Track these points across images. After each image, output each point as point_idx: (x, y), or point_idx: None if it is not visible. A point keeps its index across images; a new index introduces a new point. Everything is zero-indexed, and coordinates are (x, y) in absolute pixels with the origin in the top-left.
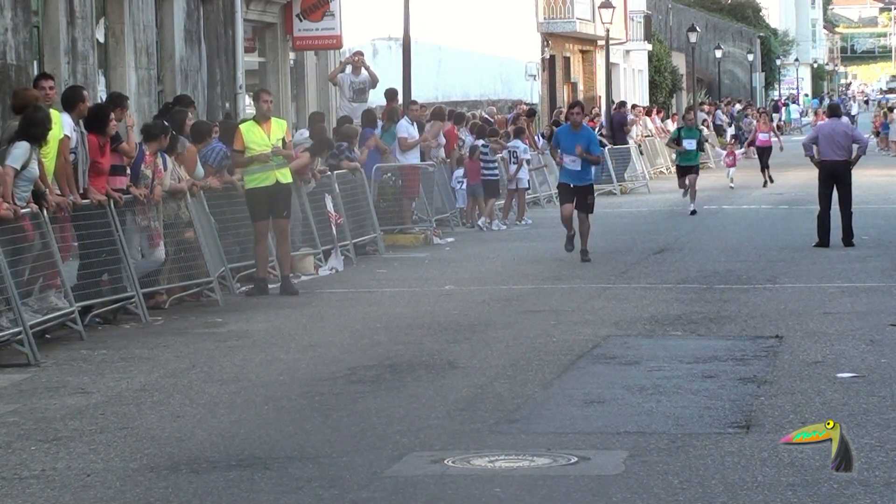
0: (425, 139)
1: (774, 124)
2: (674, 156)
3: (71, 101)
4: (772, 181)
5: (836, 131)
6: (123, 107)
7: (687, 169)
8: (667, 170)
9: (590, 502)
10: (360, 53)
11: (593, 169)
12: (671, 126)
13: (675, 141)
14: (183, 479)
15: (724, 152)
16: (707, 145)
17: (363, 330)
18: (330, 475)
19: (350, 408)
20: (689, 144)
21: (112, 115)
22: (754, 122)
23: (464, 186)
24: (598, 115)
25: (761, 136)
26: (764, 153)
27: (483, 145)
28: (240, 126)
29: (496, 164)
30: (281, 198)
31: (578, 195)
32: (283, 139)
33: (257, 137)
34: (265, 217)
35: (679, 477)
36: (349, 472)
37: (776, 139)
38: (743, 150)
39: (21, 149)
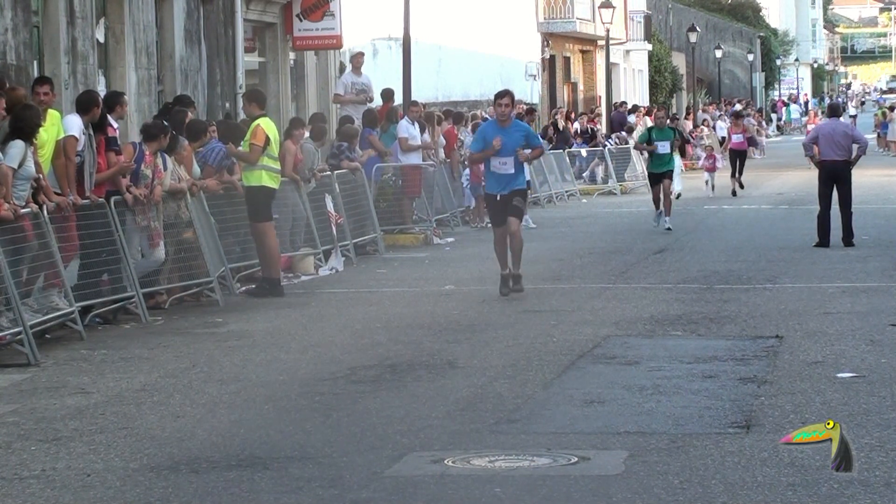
0: (428, 146)
1: (773, 125)
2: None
3: (86, 105)
4: (741, 187)
5: (836, 131)
6: (122, 103)
7: (660, 176)
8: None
9: (590, 502)
10: (361, 55)
11: (527, 172)
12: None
13: (647, 142)
14: (183, 479)
15: (704, 155)
16: (708, 142)
17: (363, 330)
18: (330, 475)
19: (350, 408)
20: (663, 147)
21: (107, 116)
22: (753, 122)
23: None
24: (599, 114)
25: (734, 139)
26: (737, 157)
27: None
28: None
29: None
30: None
31: (507, 202)
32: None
33: None
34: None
35: (679, 477)
36: (349, 472)
37: (761, 138)
38: (721, 153)
39: (16, 148)
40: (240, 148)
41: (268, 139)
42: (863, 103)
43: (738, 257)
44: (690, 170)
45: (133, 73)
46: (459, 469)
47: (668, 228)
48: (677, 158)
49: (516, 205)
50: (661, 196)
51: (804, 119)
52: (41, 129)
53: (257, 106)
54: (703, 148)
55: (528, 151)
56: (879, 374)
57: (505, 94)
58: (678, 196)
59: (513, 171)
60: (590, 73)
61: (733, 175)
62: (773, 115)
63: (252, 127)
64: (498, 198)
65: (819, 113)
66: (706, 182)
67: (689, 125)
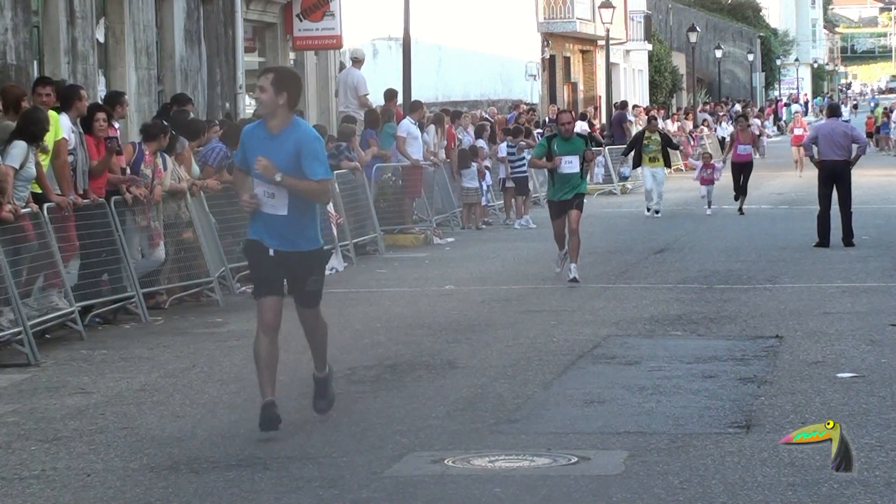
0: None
1: (768, 128)
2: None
3: (67, 99)
4: (740, 212)
5: (836, 131)
6: (122, 103)
7: (564, 206)
8: (667, 171)
9: (590, 502)
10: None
11: (319, 216)
12: (671, 126)
13: (546, 157)
14: (183, 479)
15: (700, 164)
16: (703, 150)
17: (363, 330)
18: (330, 475)
19: (350, 408)
20: (569, 165)
21: (99, 115)
22: (756, 121)
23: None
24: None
25: (741, 150)
26: (742, 171)
27: (509, 145)
28: None
29: (524, 163)
30: None
31: (290, 272)
32: None
33: None
34: None
35: (679, 477)
36: (349, 472)
37: (763, 138)
38: (721, 163)
39: (19, 148)
40: None
41: None
42: (856, 107)
43: (738, 257)
44: (684, 170)
45: (133, 73)
46: (459, 469)
47: (574, 279)
48: (660, 171)
49: (312, 290)
50: (566, 233)
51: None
52: None
53: None
54: (700, 156)
55: (269, 162)
56: (879, 374)
57: (266, 72)
58: (657, 213)
59: (285, 211)
60: (590, 73)
61: (737, 197)
62: (773, 117)
63: None
64: (271, 252)
65: (809, 114)
66: (703, 197)
67: (689, 125)
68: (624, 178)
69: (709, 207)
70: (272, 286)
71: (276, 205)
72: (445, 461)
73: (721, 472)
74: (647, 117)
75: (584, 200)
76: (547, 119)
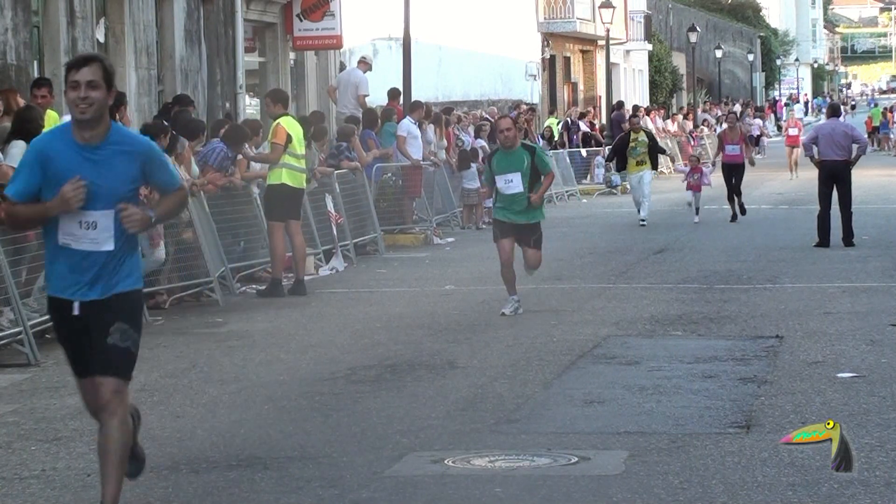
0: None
1: (768, 128)
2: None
3: None
4: (742, 213)
5: (836, 131)
6: (122, 103)
7: (516, 231)
8: (667, 169)
9: (590, 502)
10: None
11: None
12: (671, 126)
13: (490, 179)
14: (183, 479)
15: (687, 170)
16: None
17: (363, 330)
18: (330, 475)
19: (350, 408)
20: (510, 185)
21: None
22: (758, 121)
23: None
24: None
25: (729, 150)
26: (733, 173)
27: None
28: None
29: None
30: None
31: (101, 325)
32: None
33: None
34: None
35: (679, 477)
36: (349, 472)
37: (763, 137)
38: (710, 166)
39: (17, 148)
40: (261, 149)
41: (289, 137)
42: (853, 107)
43: (738, 257)
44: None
45: (133, 73)
46: (459, 469)
47: (510, 312)
48: (647, 174)
49: (115, 344)
50: (516, 265)
51: (805, 119)
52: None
53: (281, 106)
54: (689, 160)
55: (140, 210)
56: (879, 374)
57: (88, 61)
58: (643, 222)
59: (112, 246)
60: (590, 73)
61: (730, 197)
62: (773, 117)
63: (273, 126)
64: (76, 311)
65: (809, 115)
66: (689, 204)
67: (689, 125)
68: (614, 185)
69: (697, 215)
70: (82, 364)
71: (98, 238)
72: (445, 461)
73: (721, 472)
74: (628, 116)
75: (543, 232)
76: (569, 120)
